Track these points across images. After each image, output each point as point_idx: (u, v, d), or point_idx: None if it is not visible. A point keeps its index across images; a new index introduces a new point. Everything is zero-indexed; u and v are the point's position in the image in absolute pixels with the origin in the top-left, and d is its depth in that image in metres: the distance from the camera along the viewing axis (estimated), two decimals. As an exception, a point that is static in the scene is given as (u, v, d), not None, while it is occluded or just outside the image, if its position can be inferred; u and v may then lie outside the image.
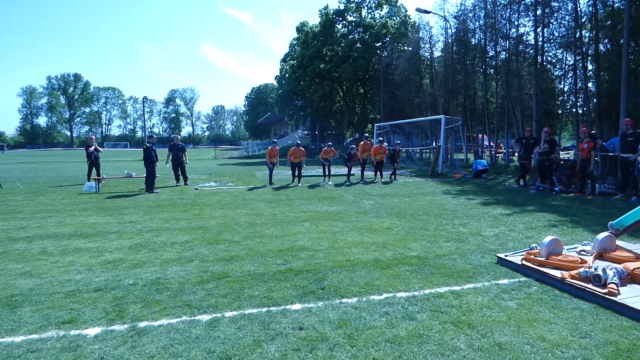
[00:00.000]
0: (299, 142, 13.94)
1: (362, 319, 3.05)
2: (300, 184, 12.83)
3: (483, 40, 20.31)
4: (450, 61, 22.07)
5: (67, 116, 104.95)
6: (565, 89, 18.03)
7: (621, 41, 12.13)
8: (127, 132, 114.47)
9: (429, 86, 26.30)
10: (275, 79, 50.45)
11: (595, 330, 2.84)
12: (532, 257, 4.19)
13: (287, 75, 43.04)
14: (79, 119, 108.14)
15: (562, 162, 12.13)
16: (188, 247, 5.25)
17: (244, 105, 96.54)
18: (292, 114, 45.55)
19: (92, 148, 13.33)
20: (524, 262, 4.16)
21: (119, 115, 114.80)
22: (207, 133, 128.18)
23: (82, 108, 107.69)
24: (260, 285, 3.79)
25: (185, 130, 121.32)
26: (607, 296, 3.26)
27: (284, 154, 17.66)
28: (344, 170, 15.21)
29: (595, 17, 14.96)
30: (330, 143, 14.44)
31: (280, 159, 16.23)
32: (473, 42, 21.16)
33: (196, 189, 11.96)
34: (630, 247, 4.75)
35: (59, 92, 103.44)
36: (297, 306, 3.31)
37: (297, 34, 39.91)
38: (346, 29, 36.60)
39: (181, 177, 13.15)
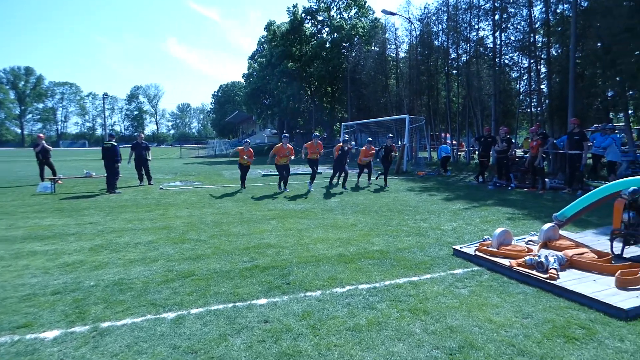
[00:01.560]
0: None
1: (325, 311, 3.18)
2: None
3: (445, 43, 21.06)
4: (414, 62, 22.68)
5: (17, 112, 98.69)
6: (521, 90, 19.06)
7: (570, 46, 12.95)
8: (85, 130, 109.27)
9: (395, 86, 26.92)
10: (243, 77, 49.82)
11: (536, 311, 3.12)
12: (485, 247, 4.48)
13: (255, 73, 42.66)
14: (30, 115, 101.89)
15: (517, 160, 12.82)
16: (152, 247, 5.19)
17: (211, 103, 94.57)
18: (260, 112, 45.20)
19: (39, 147, 12.63)
20: (477, 252, 4.44)
21: (77, 112, 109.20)
22: (172, 131, 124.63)
23: (35, 104, 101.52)
24: (227, 282, 3.84)
25: (149, 128, 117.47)
26: (548, 280, 3.57)
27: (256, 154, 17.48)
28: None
29: (547, 24, 15.88)
30: (318, 134, 13.16)
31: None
32: (436, 44, 21.88)
33: (161, 188, 11.71)
34: (573, 236, 5.17)
35: (7, 87, 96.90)
36: (262, 301, 3.39)
37: (266, 32, 39.63)
38: (315, 29, 36.71)
39: (145, 176, 12.82)
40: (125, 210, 8.11)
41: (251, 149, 11.68)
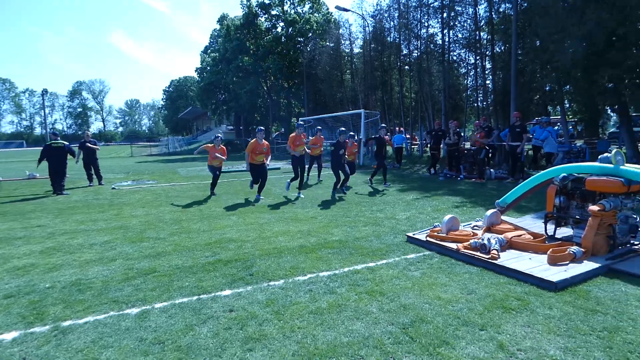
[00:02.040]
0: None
1: (288, 297, 3.33)
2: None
3: (397, 39, 21.73)
4: (368, 58, 23.21)
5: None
6: (469, 85, 20.11)
7: (512, 44, 13.85)
8: (22, 129, 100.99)
9: (350, 81, 27.41)
10: (196, 71, 48.29)
11: (479, 287, 3.46)
12: (435, 233, 4.83)
13: (209, 68, 41.61)
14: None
15: (465, 152, 13.60)
16: (109, 247, 5.08)
17: (162, 99, 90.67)
18: (215, 108, 44.24)
19: None
20: (428, 238, 4.78)
21: (12, 110, 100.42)
22: (120, 129, 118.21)
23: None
24: (190, 277, 3.89)
25: (95, 126, 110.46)
26: (490, 260, 3.94)
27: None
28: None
29: (491, 22, 16.86)
30: (302, 122, 10.34)
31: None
32: (389, 41, 22.52)
33: (113, 188, 11.26)
34: (513, 220, 5.67)
35: None
36: (227, 292, 3.49)
37: (218, 25, 38.75)
38: (270, 23, 36.41)
39: (94, 176, 12.26)
40: (75, 211, 7.77)
41: (223, 146, 9.36)
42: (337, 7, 21.92)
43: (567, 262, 3.86)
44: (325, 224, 6.09)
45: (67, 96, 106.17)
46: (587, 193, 4.48)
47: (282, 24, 35.78)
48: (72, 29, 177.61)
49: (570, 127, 21.90)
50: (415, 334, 2.69)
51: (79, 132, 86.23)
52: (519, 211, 6.71)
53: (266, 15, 36.08)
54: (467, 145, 14.96)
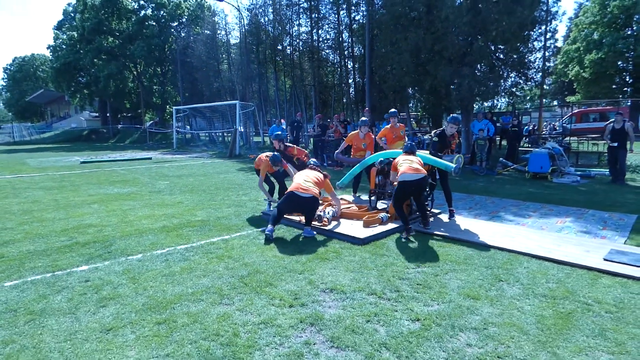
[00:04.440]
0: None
1: (145, 266, 3.79)
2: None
3: (272, 34, 22.50)
4: (244, 50, 23.49)
5: None
6: (335, 83, 22.07)
7: (366, 48, 15.79)
8: None
9: (228, 72, 27.26)
10: (49, 49, 41.50)
11: (309, 247, 4.41)
12: (285, 209, 5.71)
13: (64, 46, 36.39)
14: None
15: (329, 142, 15.15)
16: (-60, 241, 4.69)
17: (3, 79, 75.45)
18: (74, 91, 38.92)
19: None
20: (278, 213, 5.63)
21: None
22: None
23: None
24: (44, 259, 4.00)
25: None
26: (321, 227, 4.97)
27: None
28: None
29: (351, 27, 18.82)
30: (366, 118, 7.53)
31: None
32: (264, 35, 23.12)
33: (-64, 182, 9.61)
34: (349, 198, 6.94)
35: None
36: (83, 267, 3.76)
37: (74, 0, 34.22)
38: (136, 4, 33.56)
39: None
40: None
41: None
42: (211, -4, 21.62)
43: (377, 224, 5.10)
44: (190, 208, 6.51)
45: None
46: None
47: (151, 5, 33.39)
48: None
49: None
50: (249, 281, 3.45)
51: None
52: (361, 190, 8.09)
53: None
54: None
